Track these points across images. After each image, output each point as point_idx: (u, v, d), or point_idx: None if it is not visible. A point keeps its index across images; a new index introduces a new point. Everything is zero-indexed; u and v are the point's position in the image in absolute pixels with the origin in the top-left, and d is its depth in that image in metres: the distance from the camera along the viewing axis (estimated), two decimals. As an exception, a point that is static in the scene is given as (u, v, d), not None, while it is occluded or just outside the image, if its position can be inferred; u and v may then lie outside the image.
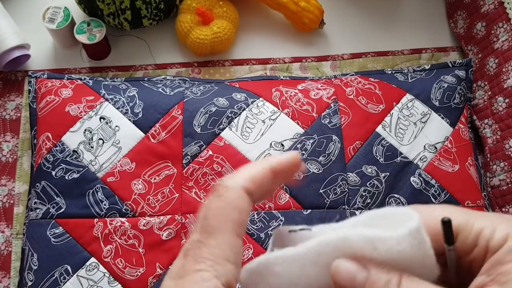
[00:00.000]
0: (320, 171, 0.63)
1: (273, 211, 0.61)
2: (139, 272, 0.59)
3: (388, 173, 0.63)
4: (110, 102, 0.66)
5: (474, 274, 0.25)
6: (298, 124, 0.65)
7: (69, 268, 0.59)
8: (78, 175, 0.62)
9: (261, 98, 0.67)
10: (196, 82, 0.71)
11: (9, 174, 0.69)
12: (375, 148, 0.65)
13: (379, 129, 0.66)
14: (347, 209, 0.62)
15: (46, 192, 0.62)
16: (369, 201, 0.62)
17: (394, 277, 0.24)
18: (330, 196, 0.62)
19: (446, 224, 0.26)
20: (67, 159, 0.63)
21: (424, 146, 0.66)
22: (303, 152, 0.64)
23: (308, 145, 0.64)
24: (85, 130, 0.64)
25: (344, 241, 0.25)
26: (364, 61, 0.79)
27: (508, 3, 0.68)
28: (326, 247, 0.25)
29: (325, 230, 0.28)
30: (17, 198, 0.68)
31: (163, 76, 0.72)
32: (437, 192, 0.64)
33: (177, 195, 0.62)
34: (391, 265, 0.25)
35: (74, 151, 0.63)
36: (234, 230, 0.24)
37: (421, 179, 0.64)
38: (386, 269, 0.25)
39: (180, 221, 0.61)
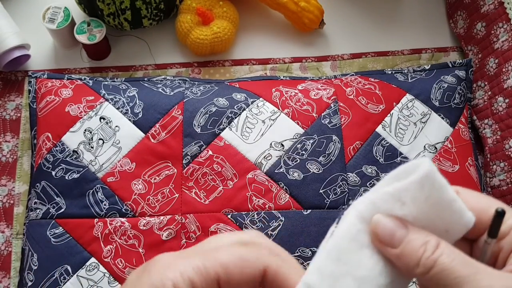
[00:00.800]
0: (320, 171, 0.63)
1: (273, 211, 0.61)
2: (139, 272, 0.58)
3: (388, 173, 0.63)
4: (110, 102, 0.66)
5: (498, 263, 0.27)
6: (298, 124, 0.65)
7: (69, 268, 0.59)
8: (78, 175, 0.62)
9: (261, 98, 0.67)
10: (196, 82, 0.71)
11: (9, 174, 0.69)
12: (375, 148, 0.65)
13: (379, 129, 0.66)
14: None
15: (46, 192, 0.62)
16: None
17: (433, 239, 0.25)
18: (330, 196, 0.62)
19: (500, 215, 0.26)
20: (67, 159, 0.63)
21: (424, 146, 0.66)
22: (303, 152, 0.64)
23: (308, 145, 0.64)
24: (85, 130, 0.64)
25: (373, 206, 0.26)
26: (364, 61, 0.79)
27: (508, 3, 0.68)
28: (360, 223, 0.26)
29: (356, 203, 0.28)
30: (17, 198, 0.68)
31: (163, 76, 0.72)
32: (437, 192, 0.63)
33: (177, 195, 0.62)
34: (424, 218, 0.25)
35: (74, 151, 0.63)
36: (216, 271, 0.24)
37: (421, 179, 0.64)
38: (425, 232, 0.26)
39: (180, 221, 0.61)
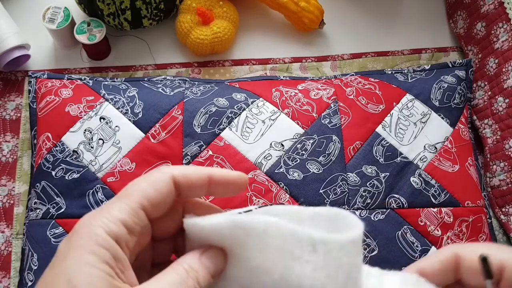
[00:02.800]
0: (320, 171, 0.63)
1: (273, 211, 0.61)
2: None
3: (388, 173, 0.63)
4: (110, 102, 0.66)
5: None
6: (298, 124, 0.65)
7: (69, 268, 0.59)
8: (78, 175, 0.62)
9: (261, 98, 0.67)
10: (196, 82, 0.71)
11: (9, 174, 0.69)
12: (375, 148, 0.65)
13: (379, 129, 0.66)
14: (347, 209, 0.62)
15: (46, 192, 0.62)
16: (369, 201, 0.62)
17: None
18: (330, 196, 0.62)
19: (485, 260, 0.29)
20: (67, 159, 0.63)
21: (424, 146, 0.66)
22: (303, 152, 0.64)
23: (308, 145, 0.64)
24: (85, 130, 0.64)
25: (292, 234, 0.25)
26: (364, 61, 0.79)
27: (508, 3, 0.68)
28: (277, 232, 0.25)
29: (283, 211, 0.28)
30: (17, 198, 0.68)
31: (163, 76, 0.72)
32: (437, 192, 0.64)
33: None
34: (324, 275, 0.25)
35: (74, 151, 0.63)
36: (140, 202, 0.25)
37: (421, 179, 0.64)
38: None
39: (180, 221, 0.61)
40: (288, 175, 0.62)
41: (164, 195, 0.26)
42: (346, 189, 0.62)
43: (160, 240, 0.29)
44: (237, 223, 0.25)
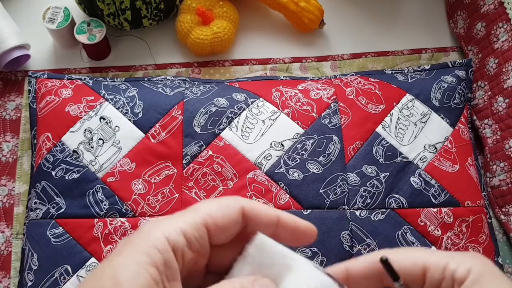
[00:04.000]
0: (320, 171, 0.63)
1: (273, 211, 0.61)
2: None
3: (388, 173, 0.63)
4: (110, 102, 0.66)
5: None
6: (298, 124, 0.65)
7: (69, 268, 0.59)
8: (78, 175, 0.62)
9: (261, 98, 0.67)
10: (196, 82, 0.71)
11: (9, 174, 0.69)
12: (375, 148, 0.65)
13: (379, 129, 0.66)
14: (347, 209, 0.62)
15: (46, 192, 0.62)
16: (369, 201, 0.62)
17: None
18: (330, 196, 0.62)
19: (385, 262, 0.29)
20: (67, 159, 0.63)
21: (424, 146, 0.66)
22: (303, 152, 0.64)
23: (308, 145, 0.64)
24: (85, 130, 0.64)
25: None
26: (364, 61, 0.79)
27: (508, 3, 0.68)
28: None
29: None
30: (17, 198, 0.68)
31: (163, 76, 0.72)
32: (437, 192, 0.64)
33: (177, 195, 0.62)
34: None
35: (74, 151, 0.63)
36: (205, 219, 0.26)
37: (421, 179, 0.64)
38: None
39: (180, 221, 0.61)
40: (288, 175, 0.62)
41: (230, 221, 0.27)
42: (346, 189, 0.62)
43: (212, 272, 0.29)
44: (314, 276, 0.27)
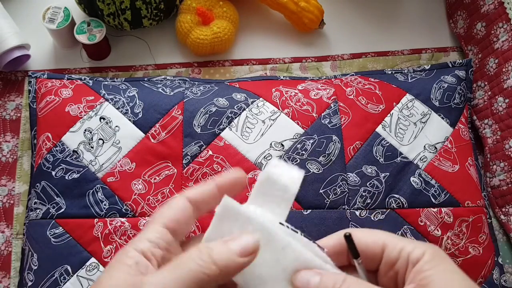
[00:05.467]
0: (320, 171, 0.63)
1: (273, 211, 0.61)
2: (139, 272, 0.58)
3: (388, 173, 0.63)
4: (110, 102, 0.66)
5: (398, 285, 0.33)
6: (298, 124, 0.65)
7: (69, 268, 0.59)
8: (78, 175, 0.62)
9: (261, 98, 0.67)
10: (196, 82, 0.71)
11: (9, 174, 0.69)
12: (375, 148, 0.65)
13: (379, 129, 0.66)
14: (347, 209, 0.62)
15: (46, 192, 0.62)
16: (369, 201, 0.62)
17: (340, 276, 0.31)
18: (330, 196, 0.62)
19: (348, 238, 0.32)
20: (67, 159, 0.63)
21: (424, 146, 0.66)
22: (303, 152, 0.64)
23: (308, 145, 0.64)
24: (85, 130, 0.64)
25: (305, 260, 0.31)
26: (364, 61, 0.79)
27: (508, 3, 0.68)
28: (291, 252, 0.31)
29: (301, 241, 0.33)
30: (17, 198, 0.68)
31: (163, 76, 0.72)
32: (437, 192, 0.64)
33: (177, 195, 0.62)
34: None
35: (74, 151, 0.63)
36: (161, 222, 0.31)
37: (421, 179, 0.64)
38: (334, 272, 0.32)
39: (180, 221, 0.61)
40: (288, 175, 0.62)
41: (181, 212, 0.32)
42: (346, 189, 0.62)
43: None
44: (271, 230, 0.30)
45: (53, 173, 0.62)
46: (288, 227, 0.32)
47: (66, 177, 0.62)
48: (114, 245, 0.59)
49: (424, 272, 0.30)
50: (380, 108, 0.67)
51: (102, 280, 0.29)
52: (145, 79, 0.71)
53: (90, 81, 0.69)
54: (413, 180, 0.64)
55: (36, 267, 0.59)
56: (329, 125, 0.65)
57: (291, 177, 0.35)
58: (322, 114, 0.66)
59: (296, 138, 0.64)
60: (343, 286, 0.30)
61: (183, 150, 0.63)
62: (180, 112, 0.65)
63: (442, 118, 0.68)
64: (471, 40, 0.76)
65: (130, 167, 0.63)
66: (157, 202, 0.61)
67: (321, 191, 0.62)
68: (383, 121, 0.66)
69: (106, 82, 0.69)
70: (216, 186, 0.33)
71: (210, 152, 0.63)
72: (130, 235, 0.60)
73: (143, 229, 0.32)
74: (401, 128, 0.66)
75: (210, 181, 0.34)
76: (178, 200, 0.33)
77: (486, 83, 0.71)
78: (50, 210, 0.61)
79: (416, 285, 0.30)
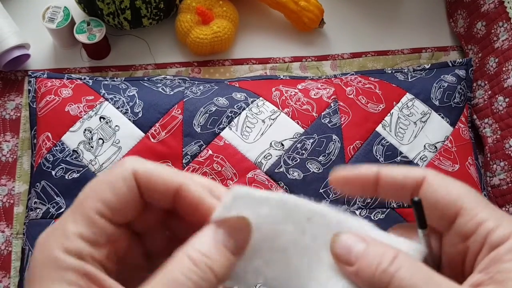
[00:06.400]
0: (320, 171, 0.63)
1: (273, 211, 0.61)
2: (139, 271, 0.59)
3: (388, 173, 0.63)
4: (110, 102, 0.66)
5: (465, 264, 0.25)
6: (298, 123, 0.65)
7: (69, 268, 0.59)
8: (78, 175, 0.62)
9: (261, 98, 0.67)
10: (196, 82, 0.71)
11: (9, 174, 0.69)
12: (375, 147, 0.65)
13: (379, 128, 0.66)
14: (347, 209, 0.62)
15: (46, 192, 0.62)
16: (369, 200, 0.62)
17: (390, 251, 0.23)
18: (330, 196, 0.62)
19: (417, 204, 0.24)
20: (67, 159, 0.63)
21: (424, 146, 0.66)
22: (303, 151, 0.63)
23: (308, 144, 0.64)
24: (85, 130, 0.64)
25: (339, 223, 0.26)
26: (364, 61, 0.79)
27: (508, 2, 0.68)
28: (320, 218, 0.26)
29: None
30: (17, 198, 0.68)
31: (163, 76, 0.72)
32: (437, 191, 0.63)
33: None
34: None
35: (74, 151, 0.63)
36: (96, 208, 0.23)
37: (421, 178, 0.64)
38: (383, 243, 0.24)
39: (180, 220, 0.61)
40: (288, 175, 0.62)
41: (125, 197, 0.23)
42: (346, 189, 0.62)
43: (147, 232, 0.26)
44: (292, 201, 0.25)
45: (53, 172, 0.62)
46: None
47: (66, 177, 0.62)
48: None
49: (503, 264, 0.22)
50: (380, 107, 0.67)
51: None
52: (145, 78, 0.71)
53: (90, 81, 0.69)
54: (413, 180, 0.64)
55: (36, 267, 0.59)
56: (329, 125, 0.65)
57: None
58: (322, 113, 0.66)
59: (296, 137, 0.64)
60: (391, 267, 0.22)
61: (183, 149, 0.63)
62: (180, 111, 0.65)
63: (442, 117, 0.68)
64: (471, 39, 0.76)
65: (130, 167, 0.63)
66: (157, 201, 0.61)
67: (321, 190, 0.62)
68: (383, 121, 0.66)
69: (106, 82, 0.69)
70: (178, 187, 0.24)
71: (210, 152, 0.63)
72: (130, 234, 0.60)
73: (65, 215, 0.23)
74: (401, 128, 0.66)
75: (176, 175, 0.24)
76: (122, 174, 0.24)
77: (486, 82, 0.71)
78: (50, 210, 0.61)
79: (489, 278, 0.22)
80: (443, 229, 0.26)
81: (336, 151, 0.64)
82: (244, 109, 0.66)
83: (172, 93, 0.67)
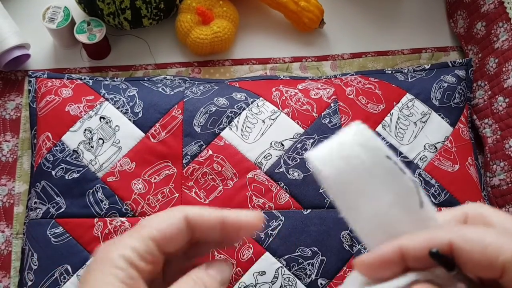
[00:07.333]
0: (320, 171, 0.63)
1: (273, 211, 0.61)
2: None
3: (388, 173, 0.63)
4: (110, 102, 0.66)
5: None
6: (298, 124, 0.65)
7: (69, 268, 0.59)
8: (78, 175, 0.62)
9: (261, 98, 0.67)
10: (196, 82, 0.71)
11: (9, 174, 0.69)
12: (375, 147, 0.65)
13: (379, 129, 0.66)
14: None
15: (46, 192, 0.62)
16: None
17: None
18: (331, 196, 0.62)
19: (435, 256, 0.24)
20: (67, 158, 0.63)
21: (424, 146, 0.66)
22: (303, 152, 0.63)
23: (308, 145, 0.64)
24: (85, 129, 0.64)
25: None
26: (364, 61, 0.79)
27: (508, 2, 0.68)
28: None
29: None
30: (17, 198, 0.68)
31: (163, 76, 0.72)
32: (437, 192, 0.64)
33: (177, 194, 0.62)
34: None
35: (74, 150, 0.63)
36: (151, 233, 0.27)
37: (421, 178, 0.64)
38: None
39: (180, 220, 0.61)
40: (288, 175, 0.62)
41: (175, 230, 0.28)
42: (346, 189, 0.62)
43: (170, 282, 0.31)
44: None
45: (53, 172, 0.62)
46: (396, 163, 0.27)
47: (66, 177, 0.62)
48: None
49: None
50: (380, 107, 0.67)
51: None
52: (145, 78, 0.71)
53: (90, 81, 0.69)
54: (413, 180, 0.64)
55: (36, 267, 0.59)
56: (329, 125, 0.65)
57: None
58: (322, 113, 0.66)
59: (296, 137, 0.64)
60: None
61: (183, 149, 0.63)
62: (180, 111, 0.65)
63: (442, 117, 0.68)
64: (471, 39, 0.76)
65: (130, 167, 0.63)
66: (157, 201, 0.61)
67: (321, 190, 0.62)
68: (383, 121, 0.66)
69: (106, 82, 0.69)
70: (222, 219, 0.29)
71: (210, 152, 0.63)
72: (130, 234, 0.60)
73: (126, 233, 0.28)
74: (401, 128, 0.66)
75: (217, 211, 0.29)
76: (175, 214, 0.29)
77: (486, 82, 0.71)
78: (50, 210, 0.61)
79: None
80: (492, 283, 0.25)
81: (336, 151, 0.64)
82: (244, 109, 0.66)
83: (172, 93, 0.67)
